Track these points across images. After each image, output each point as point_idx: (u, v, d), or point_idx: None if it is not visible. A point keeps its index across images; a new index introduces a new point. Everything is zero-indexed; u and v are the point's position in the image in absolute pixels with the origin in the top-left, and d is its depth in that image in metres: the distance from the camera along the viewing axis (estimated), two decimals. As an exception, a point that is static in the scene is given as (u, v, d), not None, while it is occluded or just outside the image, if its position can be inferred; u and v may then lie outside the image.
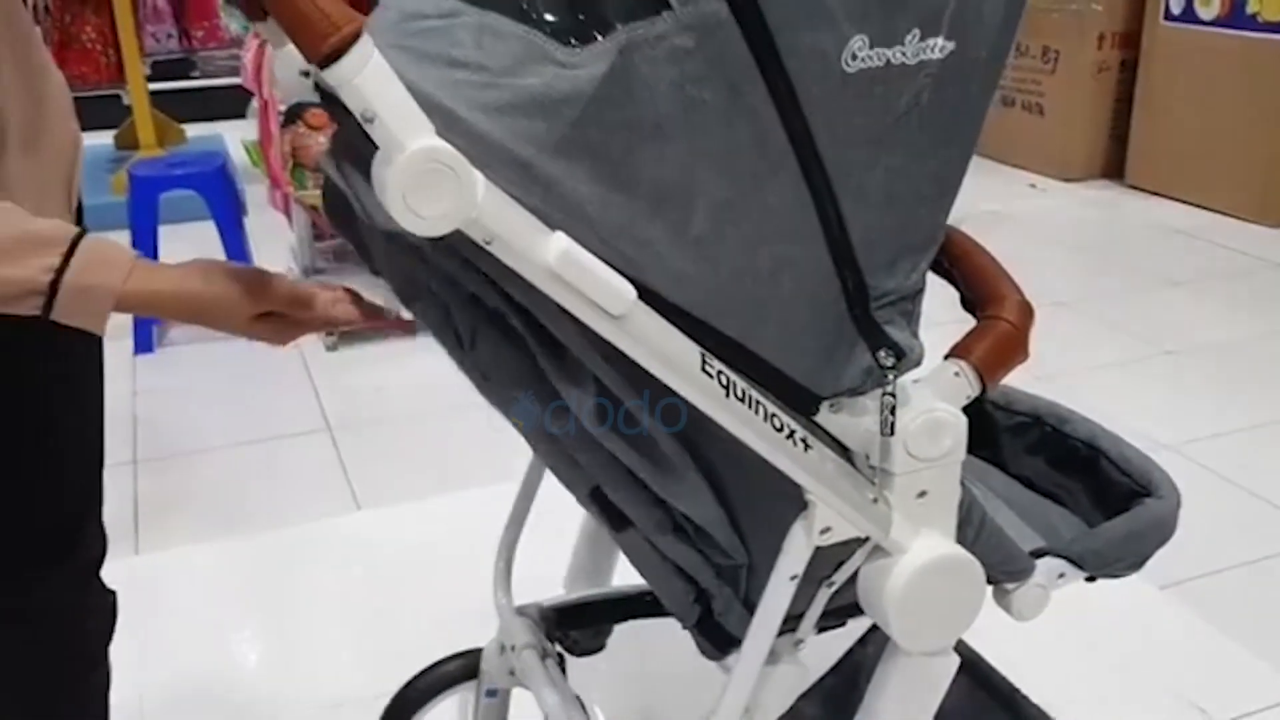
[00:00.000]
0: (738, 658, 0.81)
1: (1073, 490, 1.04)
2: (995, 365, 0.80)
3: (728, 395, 0.69)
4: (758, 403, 0.70)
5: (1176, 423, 2.40)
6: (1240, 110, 3.85)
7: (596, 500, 0.82)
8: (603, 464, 0.76)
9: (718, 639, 0.86)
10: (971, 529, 0.83)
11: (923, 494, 0.78)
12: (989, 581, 0.85)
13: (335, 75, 0.55)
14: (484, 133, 0.58)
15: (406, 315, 0.81)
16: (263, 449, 2.43)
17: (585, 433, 0.73)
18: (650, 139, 0.62)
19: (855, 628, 0.95)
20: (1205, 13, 3.93)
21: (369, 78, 0.55)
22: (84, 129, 1.04)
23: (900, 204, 0.73)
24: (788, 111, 0.65)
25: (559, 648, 1.10)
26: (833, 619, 0.87)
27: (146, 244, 2.89)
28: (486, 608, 1.14)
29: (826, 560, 0.79)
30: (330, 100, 0.63)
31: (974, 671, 1.15)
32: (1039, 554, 0.92)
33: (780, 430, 0.71)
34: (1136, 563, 0.96)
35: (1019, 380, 0.98)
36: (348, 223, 0.71)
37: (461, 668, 1.16)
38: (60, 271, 0.77)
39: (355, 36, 0.55)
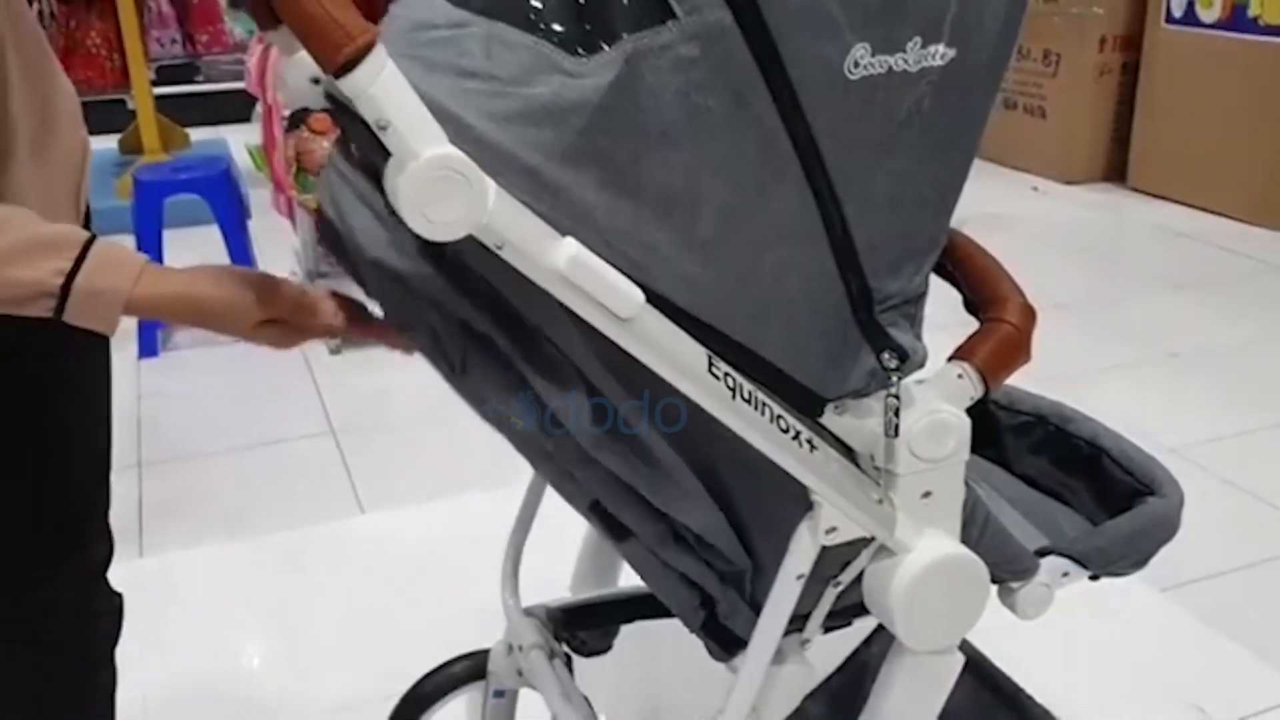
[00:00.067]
0: (744, 658, 0.82)
1: (1076, 489, 1.04)
2: (998, 367, 0.80)
3: (734, 397, 0.69)
4: (764, 404, 0.71)
5: (1178, 425, 2.40)
6: (1241, 113, 3.85)
7: (597, 513, 0.82)
8: (600, 479, 0.77)
9: (724, 641, 0.87)
10: (975, 528, 0.84)
11: (927, 494, 0.79)
12: (993, 580, 0.86)
13: (351, 85, 0.56)
14: (494, 141, 0.60)
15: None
16: (267, 452, 2.43)
17: (580, 448, 0.74)
18: (656, 146, 0.63)
19: (862, 627, 0.95)
20: (1206, 16, 3.94)
21: (384, 87, 0.56)
22: (89, 133, 1.04)
23: (903, 208, 0.73)
24: (791, 118, 0.66)
25: (566, 648, 1.11)
26: (839, 619, 0.88)
27: (151, 248, 2.90)
28: (490, 611, 1.15)
29: (832, 560, 0.80)
30: (339, 108, 0.64)
31: (978, 671, 1.16)
32: (1043, 553, 0.92)
33: (786, 431, 0.72)
34: (1140, 560, 0.96)
35: (1020, 382, 0.98)
36: (341, 251, 0.73)
37: (469, 668, 1.16)
38: (72, 274, 0.78)
39: (370, 47, 0.56)
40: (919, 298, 0.78)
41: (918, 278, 0.77)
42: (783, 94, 0.65)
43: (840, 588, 0.83)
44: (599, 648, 1.15)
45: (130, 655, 1.18)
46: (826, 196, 0.70)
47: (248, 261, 3.05)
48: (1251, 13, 3.78)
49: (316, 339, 0.86)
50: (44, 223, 0.81)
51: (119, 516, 1.13)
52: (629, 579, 0.97)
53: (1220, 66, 3.91)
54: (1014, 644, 1.18)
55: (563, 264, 0.62)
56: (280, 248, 3.41)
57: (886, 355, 0.76)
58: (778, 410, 0.72)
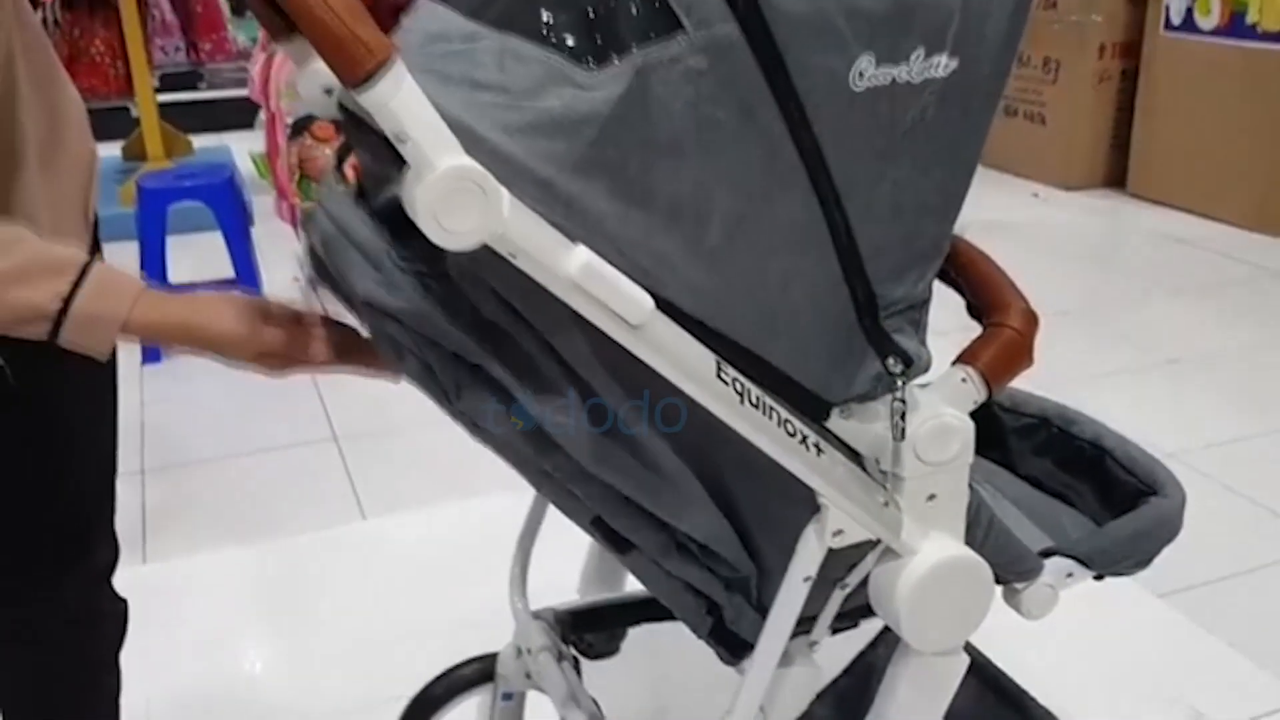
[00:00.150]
0: (752, 660, 0.82)
1: (1080, 490, 1.05)
2: (1001, 371, 0.81)
3: (742, 402, 0.70)
4: (771, 409, 0.72)
5: (1178, 431, 2.41)
6: (1240, 119, 3.87)
7: (599, 527, 0.83)
8: (600, 494, 0.77)
9: (732, 645, 0.88)
10: (980, 530, 0.85)
11: (932, 497, 0.80)
12: (998, 581, 0.87)
13: (371, 99, 0.57)
14: (507, 153, 0.61)
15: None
16: (269, 458, 2.44)
17: (579, 466, 0.74)
18: (666, 157, 0.64)
19: (868, 629, 0.96)
20: (1205, 23, 3.96)
21: (403, 101, 0.57)
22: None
23: (907, 216, 0.74)
24: (798, 129, 0.67)
25: (574, 651, 1.11)
26: (846, 620, 0.89)
27: (154, 255, 2.92)
28: (493, 616, 1.16)
29: (839, 562, 0.81)
30: (351, 119, 0.65)
31: (983, 674, 1.16)
32: (1047, 553, 0.93)
33: (793, 435, 0.73)
34: (1143, 561, 0.97)
35: (1021, 388, 1.00)
36: (334, 286, 0.74)
37: (478, 671, 1.17)
38: (69, 298, 0.79)
39: (389, 61, 0.57)
40: (923, 303, 0.79)
41: (921, 284, 0.78)
42: (789, 105, 0.66)
43: (847, 590, 0.84)
44: (607, 650, 1.15)
45: (133, 660, 1.19)
46: (832, 205, 0.71)
47: (250, 268, 3.06)
48: (1250, 19, 3.80)
49: (310, 372, 0.87)
50: (45, 244, 0.82)
51: (121, 522, 1.13)
52: (636, 582, 0.98)
53: (1219, 73, 3.92)
54: (1014, 647, 1.19)
55: (575, 272, 0.63)
56: (283, 254, 3.42)
57: (891, 360, 0.77)
58: (785, 414, 0.73)
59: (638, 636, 1.16)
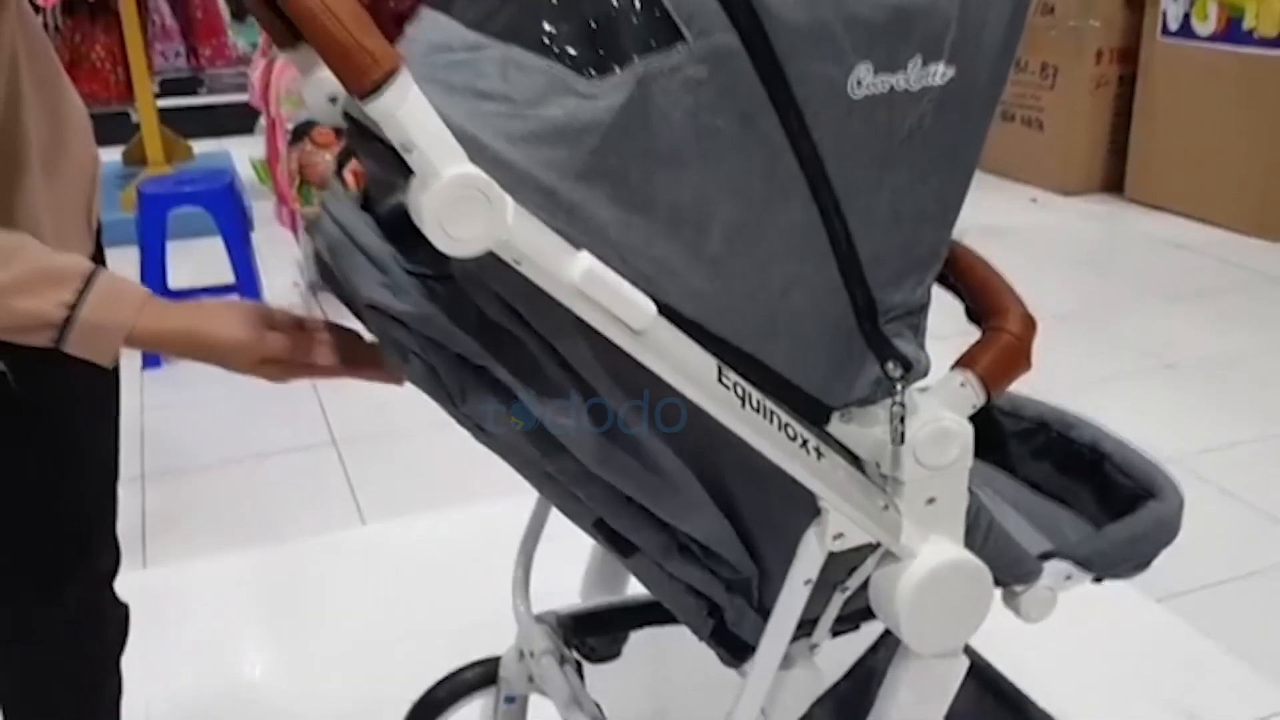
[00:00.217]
0: (753, 663, 0.83)
1: (1079, 493, 1.06)
2: (999, 375, 0.82)
3: (744, 406, 0.71)
4: (772, 413, 0.73)
5: (1176, 436, 2.42)
6: (1237, 124, 3.88)
7: (601, 529, 0.83)
8: (602, 496, 0.78)
9: (734, 648, 0.88)
10: (979, 533, 0.85)
11: (932, 500, 0.81)
12: (997, 584, 0.87)
13: (378, 108, 0.58)
14: (510, 161, 0.61)
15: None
16: (269, 463, 2.44)
17: (581, 468, 0.75)
18: (667, 165, 0.65)
19: (869, 633, 0.97)
20: (1202, 28, 3.97)
21: (409, 111, 0.58)
22: (91, 145, 1.05)
23: (906, 222, 0.75)
24: (797, 137, 0.68)
25: (577, 654, 1.12)
26: (846, 623, 0.89)
27: (155, 260, 2.92)
28: (493, 620, 1.16)
29: (840, 565, 0.81)
30: (356, 127, 0.66)
31: (982, 676, 1.17)
32: (1046, 556, 0.93)
33: (794, 439, 0.74)
34: (1142, 564, 0.98)
35: (1021, 392, 1.00)
36: (340, 291, 0.75)
37: (480, 675, 1.18)
38: (74, 307, 0.79)
39: (395, 71, 0.58)
40: (922, 308, 0.80)
41: (920, 289, 0.79)
42: (788, 113, 0.67)
43: (847, 593, 0.84)
44: (609, 654, 1.16)
45: (133, 664, 1.19)
46: (832, 212, 0.71)
47: (250, 273, 3.07)
48: (1246, 25, 3.82)
49: (313, 378, 0.88)
50: (50, 253, 0.82)
51: (122, 527, 1.14)
52: (638, 586, 0.99)
53: (1216, 78, 3.94)
54: (1014, 649, 1.20)
55: (578, 278, 0.63)
56: (283, 259, 3.43)
57: (891, 365, 0.78)
58: (785, 419, 0.74)
59: (640, 640, 1.17)
